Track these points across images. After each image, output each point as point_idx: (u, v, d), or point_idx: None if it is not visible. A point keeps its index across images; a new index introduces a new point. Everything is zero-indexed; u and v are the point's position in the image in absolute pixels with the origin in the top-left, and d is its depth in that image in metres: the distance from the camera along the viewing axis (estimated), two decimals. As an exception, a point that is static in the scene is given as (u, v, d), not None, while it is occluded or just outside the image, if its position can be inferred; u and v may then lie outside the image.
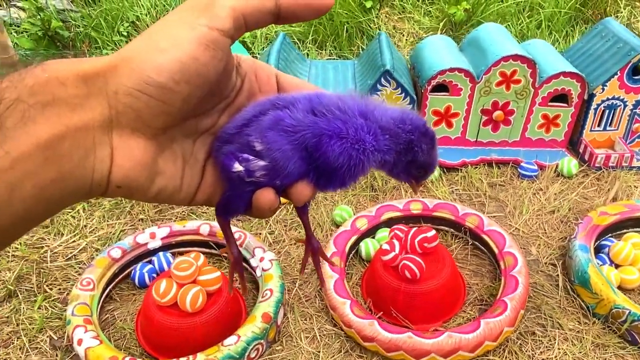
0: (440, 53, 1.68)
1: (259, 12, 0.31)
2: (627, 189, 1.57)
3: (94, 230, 1.48)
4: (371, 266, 1.30)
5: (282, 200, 0.35)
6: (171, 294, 1.11)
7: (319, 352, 1.15)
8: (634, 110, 1.69)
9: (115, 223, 1.50)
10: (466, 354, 1.07)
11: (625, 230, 1.39)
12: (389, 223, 1.42)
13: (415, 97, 1.61)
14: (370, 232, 1.41)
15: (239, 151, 0.32)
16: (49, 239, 1.45)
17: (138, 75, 0.28)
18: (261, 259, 1.28)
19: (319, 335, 1.18)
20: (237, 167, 0.32)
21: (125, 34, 2.42)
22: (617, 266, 1.29)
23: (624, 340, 1.13)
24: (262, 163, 0.32)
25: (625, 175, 1.61)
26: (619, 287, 1.22)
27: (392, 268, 1.20)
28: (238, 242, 1.31)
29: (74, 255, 1.41)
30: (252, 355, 1.10)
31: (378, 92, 1.59)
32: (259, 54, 2.23)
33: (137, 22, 2.46)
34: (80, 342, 1.07)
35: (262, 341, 1.10)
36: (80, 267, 1.37)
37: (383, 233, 1.38)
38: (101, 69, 0.28)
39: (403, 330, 1.10)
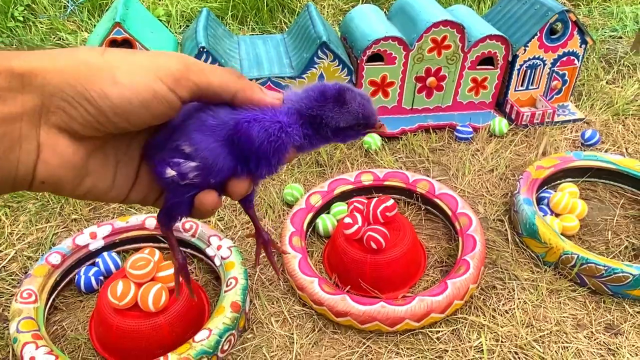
0: (371, 23, 1.67)
1: (214, 97, 0.32)
2: (554, 143, 1.67)
3: (21, 237, 1.33)
4: (332, 241, 1.29)
5: None
6: (130, 295, 1.03)
7: (292, 334, 1.12)
8: (552, 69, 1.79)
9: (46, 227, 1.36)
10: (437, 315, 1.10)
11: (559, 182, 1.48)
12: (342, 197, 1.41)
13: (352, 68, 1.60)
14: (325, 208, 1.39)
15: (169, 157, 0.33)
16: (-31, 252, 1.29)
17: (82, 90, 0.27)
18: (218, 247, 1.22)
19: (290, 317, 1.16)
20: (170, 172, 0.33)
21: (21, 19, 2.18)
22: (557, 215, 1.37)
23: (574, 283, 1.21)
24: (193, 164, 0.32)
25: (550, 131, 1.71)
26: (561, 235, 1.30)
27: (355, 241, 1.19)
28: (190, 233, 1.25)
29: (3, 266, 1.27)
30: (225, 347, 1.05)
31: (315, 66, 1.56)
32: (180, 33, 2.11)
33: (33, 5, 2.23)
34: (32, 360, 0.97)
35: (233, 332, 1.06)
36: (12, 279, 1.23)
37: (338, 207, 1.37)
38: (42, 68, 0.27)
39: (375, 301, 1.10)
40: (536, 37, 1.69)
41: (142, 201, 0.36)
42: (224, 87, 0.32)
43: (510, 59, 1.72)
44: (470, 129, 1.69)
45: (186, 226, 1.25)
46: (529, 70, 1.77)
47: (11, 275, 1.24)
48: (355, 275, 1.19)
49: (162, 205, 0.36)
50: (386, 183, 1.42)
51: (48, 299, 1.14)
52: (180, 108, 0.31)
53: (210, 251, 1.23)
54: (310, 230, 1.35)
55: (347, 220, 1.19)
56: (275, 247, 0.46)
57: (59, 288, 1.19)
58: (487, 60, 1.72)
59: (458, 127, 1.70)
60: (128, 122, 0.29)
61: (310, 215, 1.34)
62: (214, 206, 0.35)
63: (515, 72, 1.76)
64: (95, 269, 1.21)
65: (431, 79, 1.70)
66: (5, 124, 0.27)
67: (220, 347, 1.02)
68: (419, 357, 1.07)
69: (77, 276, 1.20)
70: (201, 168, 0.33)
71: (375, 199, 1.21)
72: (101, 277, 1.21)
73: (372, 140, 1.62)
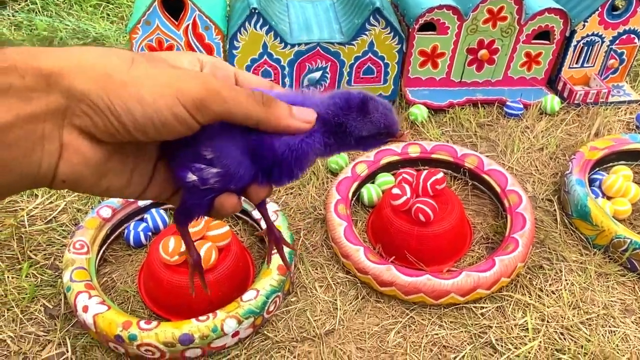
0: (425, -10, 1.62)
1: (236, 123, 0.32)
2: (607, 124, 1.62)
3: (71, 189, 1.36)
4: (377, 211, 1.28)
5: None
6: (181, 251, 1.04)
7: (336, 300, 1.13)
8: (611, 47, 1.72)
9: (95, 181, 1.38)
10: (483, 291, 1.09)
11: (612, 164, 1.44)
12: (388, 167, 1.39)
13: (403, 36, 1.56)
14: (370, 178, 1.38)
15: (190, 161, 0.33)
16: (22, 201, 1.33)
17: (108, 103, 0.28)
18: (264, 211, 1.23)
19: (333, 284, 1.16)
20: (191, 176, 0.33)
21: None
22: (608, 198, 1.33)
23: (624, 268, 1.18)
24: (214, 170, 0.32)
25: (604, 111, 1.66)
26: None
27: (402, 212, 1.18)
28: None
29: (54, 217, 1.30)
30: (271, 309, 1.06)
31: (366, 32, 1.53)
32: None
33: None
34: (85, 309, 1.00)
35: (279, 294, 1.07)
36: (63, 230, 1.27)
37: (383, 178, 1.36)
38: (69, 71, 0.27)
39: (420, 273, 1.10)
40: (597, 13, 1.62)
41: (156, 198, 0.36)
42: (246, 118, 0.31)
43: (567, 34, 1.66)
44: (521, 106, 1.64)
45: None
46: (585, 47, 1.70)
47: (62, 226, 1.28)
48: (400, 247, 1.19)
49: (180, 204, 0.36)
50: (433, 156, 1.40)
51: (98, 251, 1.17)
52: (198, 129, 0.31)
53: (256, 214, 1.24)
54: (354, 199, 1.35)
55: (395, 191, 1.18)
56: (286, 244, 0.47)
57: (109, 241, 1.21)
58: (543, 35, 1.66)
59: (508, 103, 1.65)
60: (147, 137, 0.30)
61: (355, 184, 1.33)
62: (234, 209, 0.35)
63: (571, 49, 1.69)
64: (144, 224, 1.23)
65: (483, 52, 1.65)
66: (30, 124, 0.27)
67: (266, 307, 1.04)
68: (461, 331, 1.07)
69: (126, 230, 1.23)
70: (222, 174, 0.33)
71: (425, 171, 1.19)
72: (149, 233, 1.23)
73: (419, 111, 1.59)
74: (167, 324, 0.98)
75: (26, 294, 1.11)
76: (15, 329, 1.06)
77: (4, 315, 1.08)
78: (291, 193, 1.39)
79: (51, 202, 1.33)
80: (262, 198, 0.36)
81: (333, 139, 0.35)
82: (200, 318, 0.99)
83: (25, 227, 1.26)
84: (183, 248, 1.03)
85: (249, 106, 0.31)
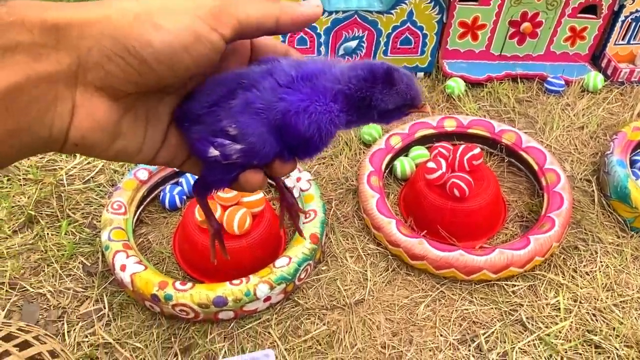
0: (469, -42, 1.56)
1: (258, 29, 0.30)
2: (652, 104, 1.56)
3: (108, 151, 1.38)
4: (410, 185, 1.27)
5: None
6: (216, 216, 1.06)
7: (366, 271, 1.14)
8: (661, 23, 1.64)
9: (131, 143, 1.40)
10: (516, 269, 1.08)
11: (655, 146, 1.39)
12: (423, 141, 1.38)
13: (444, 6, 1.52)
14: (404, 151, 1.37)
15: (212, 135, 0.32)
16: (61, 161, 1.36)
17: (123, 40, 0.26)
18: (298, 179, 1.23)
19: (364, 255, 1.17)
20: (213, 151, 0.32)
21: None
22: (650, 181, 1.30)
23: (662, 252, 1.16)
24: (238, 146, 0.31)
25: (649, 91, 1.60)
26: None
27: (437, 187, 1.17)
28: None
29: (92, 177, 1.32)
30: (302, 276, 1.07)
31: (406, 1, 1.49)
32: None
33: None
34: (123, 267, 1.02)
35: (310, 262, 1.08)
36: (100, 190, 1.29)
37: (418, 151, 1.35)
38: (77, 20, 0.26)
39: (453, 248, 1.09)
40: (650, -14, 1.55)
41: (169, 163, 0.35)
42: (265, 16, 0.30)
43: (615, 8, 1.59)
44: (562, 82, 1.59)
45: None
46: (633, 23, 1.63)
47: (99, 187, 1.30)
48: (432, 221, 1.18)
49: (199, 177, 0.36)
50: (469, 131, 1.37)
51: (135, 212, 1.19)
52: (223, 49, 0.29)
53: (289, 182, 1.24)
54: (387, 171, 1.34)
55: (431, 164, 1.16)
56: (299, 210, 0.47)
57: (145, 203, 1.23)
58: (590, 9, 1.60)
59: (549, 79, 1.60)
60: (172, 70, 0.28)
61: (389, 157, 1.32)
62: (260, 186, 0.34)
63: (618, 24, 1.62)
64: (179, 188, 1.25)
65: (526, 25, 1.59)
66: (42, 84, 0.25)
67: (298, 275, 1.05)
68: (492, 308, 1.07)
69: (162, 193, 1.24)
70: (246, 150, 0.32)
71: (462, 146, 1.18)
72: (184, 197, 1.25)
73: (456, 84, 1.56)
74: (201, 286, 1.01)
75: (65, 251, 1.15)
76: (54, 284, 1.10)
77: (44, 271, 1.12)
78: (323, 163, 1.38)
79: (89, 163, 1.35)
80: (286, 173, 0.35)
81: (355, 115, 0.33)
82: (234, 282, 1.01)
83: (64, 186, 1.29)
84: (202, 217, 1.04)
85: (262, 5, 0.30)
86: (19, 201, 1.24)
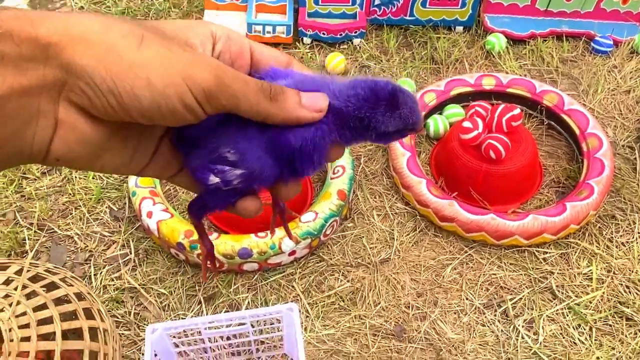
0: None
1: (244, 114, 0.29)
2: None
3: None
4: (443, 144, 1.23)
5: None
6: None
7: (393, 230, 1.11)
8: None
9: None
10: (549, 236, 1.05)
11: None
12: (458, 99, 1.32)
13: (490, -45, 1.42)
14: (437, 108, 1.31)
15: (211, 162, 0.31)
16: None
17: (111, 85, 0.25)
18: (327, 133, 1.20)
19: (391, 214, 1.14)
20: (214, 179, 0.31)
21: None
22: (698, 151, 1.23)
23: None
24: (238, 172, 0.31)
25: None
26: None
27: (472, 147, 1.13)
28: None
29: (119, 123, 1.31)
30: (328, 232, 1.06)
31: (449, -52, 1.40)
32: None
33: None
34: (150, 214, 1.02)
35: (337, 218, 1.06)
36: (128, 136, 1.28)
37: (452, 109, 1.29)
38: (69, 42, 0.25)
39: (485, 212, 1.06)
40: None
41: (157, 176, 0.34)
42: (254, 113, 0.29)
43: (677, -37, 1.47)
44: (611, 42, 1.50)
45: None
46: (695, -20, 1.51)
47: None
48: (464, 183, 1.14)
49: (197, 200, 0.35)
50: (509, 90, 1.31)
51: (162, 160, 1.18)
52: (204, 118, 0.29)
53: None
54: (419, 129, 1.29)
55: (467, 124, 1.12)
56: (289, 217, 0.45)
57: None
58: (648, -37, 1.48)
59: (596, 38, 1.51)
60: (149, 122, 0.28)
61: (422, 114, 1.27)
62: (256, 212, 0.34)
63: (678, -20, 1.51)
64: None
65: (577, -22, 1.49)
66: (24, 97, 0.25)
67: (324, 230, 1.04)
68: (521, 274, 1.04)
69: (188, 142, 1.23)
70: (246, 175, 0.31)
71: (501, 106, 1.12)
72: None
73: (497, 40, 1.48)
74: (227, 236, 1.00)
75: (93, 195, 1.15)
76: (82, 227, 1.11)
77: (72, 214, 1.13)
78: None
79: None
80: (292, 196, 0.34)
81: (349, 133, 0.32)
82: (260, 234, 1.00)
83: (92, 130, 1.28)
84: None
85: (257, 101, 0.28)
86: (47, 143, 1.24)
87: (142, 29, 0.27)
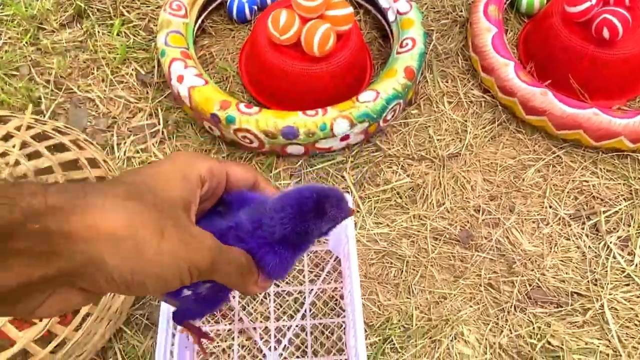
0: None
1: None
2: None
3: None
4: (538, 21, 1.00)
5: None
6: (294, 29, 0.85)
7: (466, 121, 0.93)
8: None
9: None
10: (663, 141, 0.85)
11: None
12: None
13: None
14: (534, -23, 1.06)
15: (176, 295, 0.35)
16: (115, -50, 1.14)
17: (127, 275, 0.27)
18: (395, 0, 0.98)
19: (466, 102, 0.95)
20: (186, 292, 0.35)
21: None
22: None
23: None
24: (207, 285, 0.35)
25: None
26: None
27: (578, 24, 0.90)
28: None
29: (150, -26, 1.12)
30: (388, 117, 0.89)
31: None
32: None
33: None
34: (180, 79, 0.86)
35: (401, 101, 0.88)
36: (159, -10, 1.09)
37: (553, -21, 1.04)
38: (98, 239, 0.26)
39: (585, 105, 0.86)
40: None
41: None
42: (229, 285, 0.34)
43: None
44: None
45: None
46: None
47: (158, -14, 1.10)
48: (562, 69, 0.93)
49: (177, 310, 0.39)
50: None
51: (197, 18, 1.00)
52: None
53: (384, 2, 1.00)
54: (507, 2, 1.06)
55: (577, -7, 0.88)
56: (208, 337, 0.49)
57: (210, 9, 1.03)
58: None
59: None
60: (147, 293, 0.31)
61: (514, -17, 1.03)
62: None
63: None
64: (249, -5, 1.03)
65: None
66: (32, 286, 0.26)
67: (384, 115, 0.86)
68: (619, 184, 0.86)
69: (230, 1, 1.03)
70: (214, 285, 0.34)
71: (627, -30, 0.87)
72: (255, 7, 1.04)
73: None
74: (270, 111, 0.84)
75: (117, 54, 0.99)
76: (104, 90, 0.96)
77: (93, 73, 0.98)
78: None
79: (147, -44, 1.14)
80: (262, 291, 0.38)
81: (298, 242, 0.35)
82: (308, 112, 0.84)
83: (118, -20, 1.09)
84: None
85: (235, 278, 0.33)
86: (67, -8, 1.07)
87: (163, 220, 0.28)
